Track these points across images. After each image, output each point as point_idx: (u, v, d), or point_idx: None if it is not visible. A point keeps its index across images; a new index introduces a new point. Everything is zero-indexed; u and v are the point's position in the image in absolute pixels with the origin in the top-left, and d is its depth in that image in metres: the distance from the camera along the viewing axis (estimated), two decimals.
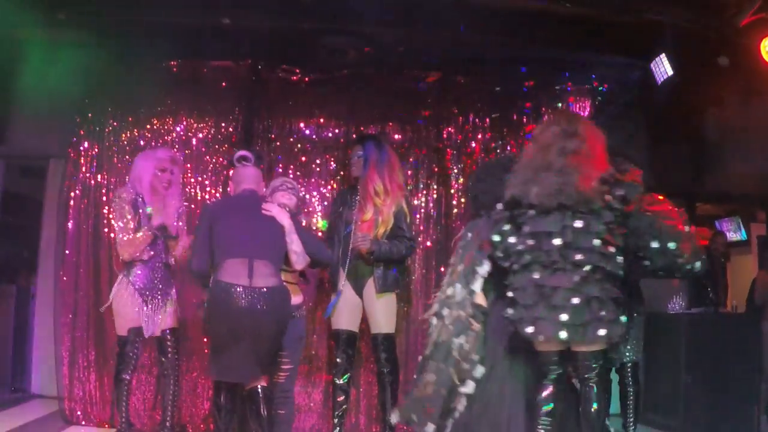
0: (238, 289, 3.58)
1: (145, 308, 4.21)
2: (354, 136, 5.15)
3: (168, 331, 4.31)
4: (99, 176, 5.17)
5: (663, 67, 4.79)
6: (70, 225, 5.09)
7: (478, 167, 4.96)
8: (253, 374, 3.70)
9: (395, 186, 4.42)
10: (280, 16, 4.60)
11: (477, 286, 3.64)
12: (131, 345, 4.21)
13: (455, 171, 5.34)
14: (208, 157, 5.24)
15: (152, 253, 4.26)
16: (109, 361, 4.77)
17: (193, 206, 5.03)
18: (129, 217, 4.19)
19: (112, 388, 4.44)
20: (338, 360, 4.46)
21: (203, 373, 4.95)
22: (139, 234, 4.18)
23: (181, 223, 4.45)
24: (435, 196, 5.31)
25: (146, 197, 4.29)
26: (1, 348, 5.56)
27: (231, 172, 5.08)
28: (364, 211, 4.40)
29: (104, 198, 5.13)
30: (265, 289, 3.61)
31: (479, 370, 3.59)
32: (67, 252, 5.07)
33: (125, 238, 4.16)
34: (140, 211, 4.24)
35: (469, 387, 3.59)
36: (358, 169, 4.48)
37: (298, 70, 5.25)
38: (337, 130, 5.29)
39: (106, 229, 5.06)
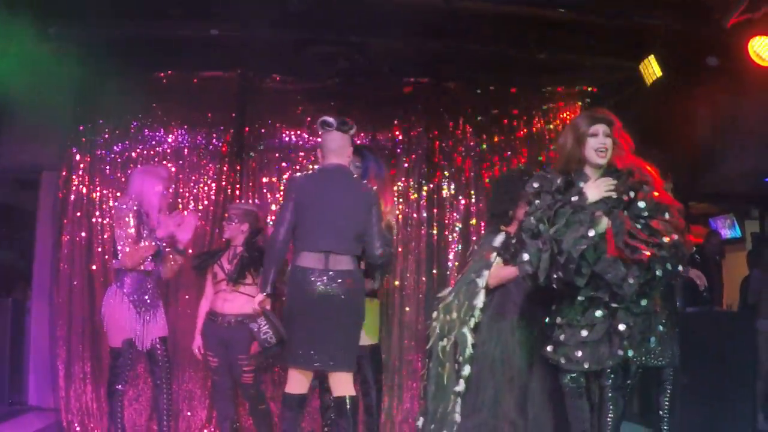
0: (315, 272, 3.55)
1: (138, 319, 4.22)
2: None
3: (158, 340, 4.31)
4: (92, 188, 5.18)
5: (652, 69, 4.81)
6: (64, 237, 5.09)
7: (493, 184, 4.88)
8: (332, 362, 3.59)
9: (389, 201, 4.30)
10: (270, 26, 4.60)
11: (479, 300, 3.77)
12: (124, 356, 4.22)
13: (446, 177, 5.36)
14: (199, 168, 5.25)
15: (153, 264, 4.28)
16: (105, 372, 4.76)
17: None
18: (131, 225, 4.20)
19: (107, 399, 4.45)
20: None
21: (198, 383, 4.97)
22: (143, 244, 4.20)
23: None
24: (426, 202, 5.33)
25: (151, 214, 4.31)
26: None
27: (232, 178, 5.13)
28: None
29: (97, 209, 5.14)
30: (337, 272, 3.57)
31: (466, 369, 3.69)
32: (61, 264, 5.08)
33: (128, 248, 4.17)
34: (143, 220, 4.26)
35: (460, 386, 3.70)
36: None
37: (288, 80, 5.27)
38: None
39: (99, 241, 5.08)
